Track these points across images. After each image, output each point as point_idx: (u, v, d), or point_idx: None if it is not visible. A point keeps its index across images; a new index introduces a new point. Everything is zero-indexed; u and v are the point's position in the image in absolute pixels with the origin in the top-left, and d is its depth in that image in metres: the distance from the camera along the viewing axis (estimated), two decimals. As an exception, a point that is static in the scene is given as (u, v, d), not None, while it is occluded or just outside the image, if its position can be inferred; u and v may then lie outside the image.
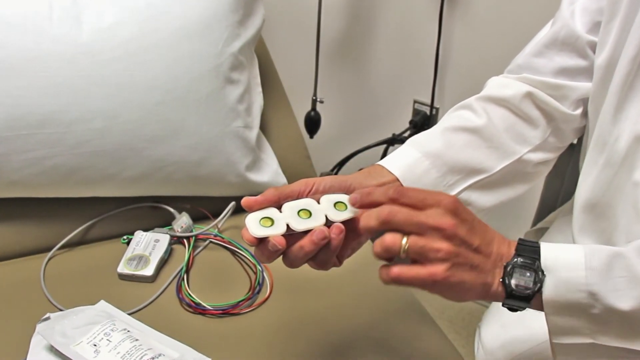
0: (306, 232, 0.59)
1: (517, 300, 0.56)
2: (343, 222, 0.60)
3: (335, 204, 0.61)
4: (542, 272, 0.56)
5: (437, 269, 0.54)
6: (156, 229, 0.98)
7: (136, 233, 0.97)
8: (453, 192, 0.71)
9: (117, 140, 0.92)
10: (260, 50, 1.16)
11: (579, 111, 0.77)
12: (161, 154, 0.95)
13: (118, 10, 0.93)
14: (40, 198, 0.97)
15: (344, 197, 0.62)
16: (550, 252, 0.57)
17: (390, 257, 0.55)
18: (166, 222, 1.01)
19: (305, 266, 0.63)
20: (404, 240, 0.54)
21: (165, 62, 0.94)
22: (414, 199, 0.56)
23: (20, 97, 0.88)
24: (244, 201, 0.60)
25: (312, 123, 1.52)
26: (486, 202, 0.76)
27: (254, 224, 0.59)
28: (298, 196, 0.63)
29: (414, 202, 0.56)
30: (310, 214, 0.60)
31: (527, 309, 0.58)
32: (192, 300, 0.86)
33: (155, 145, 0.94)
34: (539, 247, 0.57)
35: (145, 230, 0.97)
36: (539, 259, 0.56)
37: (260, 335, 0.82)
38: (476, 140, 0.74)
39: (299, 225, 0.59)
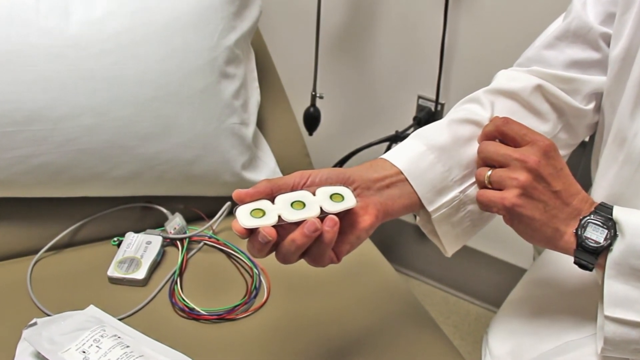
0: (299, 225, 0.58)
1: (586, 253, 0.63)
2: (340, 215, 0.59)
3: (331, 196, 0.61)
4: (616, 232, 0.62)
5: (508, 194, 0.63)
6: (148, 231, 0.98)
7: (127, 235, 0.97)
8: (460, 188, 0.71)
9: (106, 137, 0.92)
10: (257, 43, 1.16)
11: (591, 106, 0.77)
12: (153, 151, 0.95)
13: (108, 2, 0.93)
14: (26, 198, 0.97)
15: (341, 189, 0.62)
16: (624, 216, 0.63)
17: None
18: (158, 223, 1.01)
19: (304, 268, 0.63)
20: (489, 172, 0.66)
21: (158, 55, 0.94)
22: (515, 131, 0.66)
23: (6, 93, 0.88)
24: (235, 193, 0.60)
25: (312, 119, 1.52)
26: None
27: (244, 215, 0.58)
28: (292, 188, 0.62)
29: (514, 134, 0.66)
30: (304, 205, 0.59)
31: (593, 269, 0.63)
32: (185, 305, 0.86)
33: (146, 143, 0.94)
34: (611, 208, 0.64)
35: (137, 231, 0.97)
36: (611, 215, 0.63)
37: (257, 341, 0.82)
38: None
39: (290, 216, 0.58)
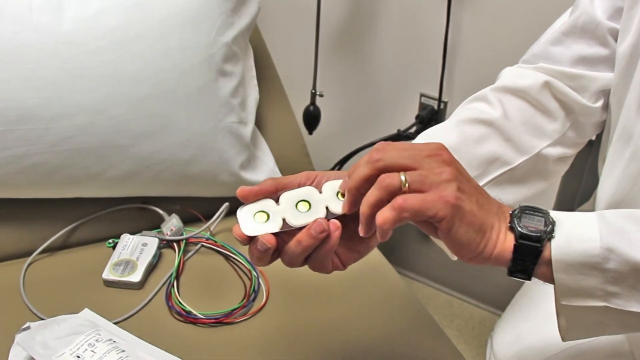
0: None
1: (528, 252, 0.55)
2: (348, 220, 0.58)
3: (338, 194, 0.59)
4: (552, 219, 0.56)
5: (447, 191, 0.52)
6: (144, 232, 0.98)
7: (122, 236, 0.96)
8: None
9: (101, 136, 0.92)
10: (255, 40, 1.16)
11: (600, 104, 0.77)
12: (149, 151, 0.95)
13: (103, -3, 0.93)
14: (19, 199, 0.97)
15: None
16: (559, 212, 0.57)
17: (387, 200, 0.53)
18: (155, 224, 1.01)
19: (304, 271, 0.62)
20: (402, 176, 0.52)
21: (154, 53, 0.93)
22: (399, 150, 0.55)
23: (-2, 91, 0.88)
24: (239, 191, 0.59)
25: (311, 118, 1.52)
26: (504, 201, 0.75)
27: (246, 219, 0.58)
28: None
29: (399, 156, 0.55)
30: (310, 206, 0.59)
31: (531, 276, 0.56)
32: (182, 309, 0.86)
33: (142, 142, 0.94)
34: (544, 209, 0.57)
35: (133, 233, 0.97)
36: (546, 210, 0.57)
37: (255, 346, 0.82)
38: (492, 133, 0.74)
39: (295, 220, 0.58)
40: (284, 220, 0.58)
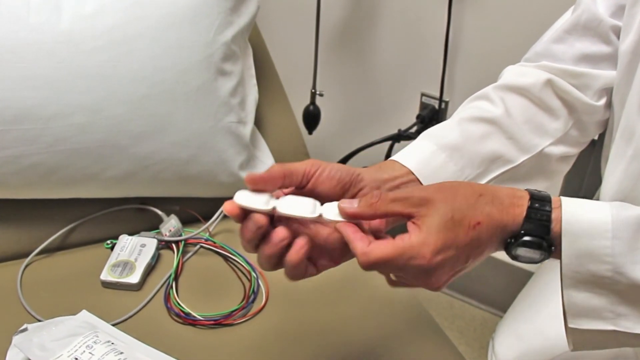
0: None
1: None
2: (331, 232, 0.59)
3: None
4: (552, 248, 0.56)
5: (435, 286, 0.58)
6: (142, 233, 0.98)
7: (121, 237, 0.96)
8: None
9: (99, 136, 0.92)
10: (254, 39, 1.16)
11: (602, 102, 0.77)
12: (147, 151, 0.94)
13: (100, -4, 0.93)
14: (16, 200, 0.97)
15: None
16: (572, 215, 0.55)
17: None
18: (153, 225, 1.00)
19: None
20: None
21: (152, 52, 0.93)
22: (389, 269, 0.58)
23: (-5, 90, 0.88)
24: (248, 176, 0.58)
25: (311, 118, 1.52)
26: None
27: (240, 198, 0.57)
28: (303, 175, 0.61)
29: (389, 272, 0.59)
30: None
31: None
32: (181, 310, 0.86)
33: (141, 142, 0.94)
34: (550, 212, 0.56)
35: (131, 234, 0.97)
36: (548, 233, 0.56)
37: (255, 347, 0.82)
38: (495, 131, 0.74)
39: (285, 209, 0.57)
40: (274, 208, 0.57)
